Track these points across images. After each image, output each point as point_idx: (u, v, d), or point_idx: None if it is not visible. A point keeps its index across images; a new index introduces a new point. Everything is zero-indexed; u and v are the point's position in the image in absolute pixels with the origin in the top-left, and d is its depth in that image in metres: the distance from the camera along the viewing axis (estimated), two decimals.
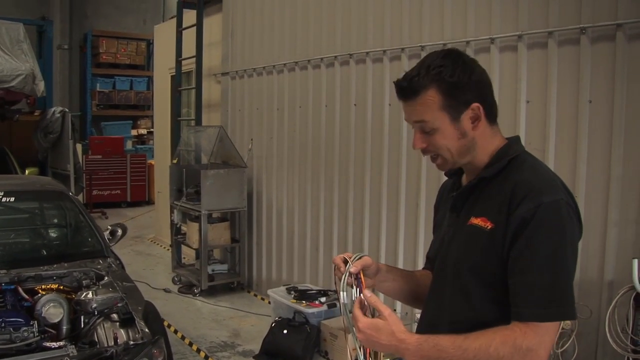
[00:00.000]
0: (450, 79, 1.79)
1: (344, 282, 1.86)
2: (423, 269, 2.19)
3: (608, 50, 4.12)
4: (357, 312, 1.77)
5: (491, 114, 1.87)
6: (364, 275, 1.89)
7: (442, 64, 1.81)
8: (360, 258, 1.91)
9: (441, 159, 1.87)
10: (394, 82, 1.87)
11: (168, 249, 9.65)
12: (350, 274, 1.86)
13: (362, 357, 1.83)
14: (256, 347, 5.87)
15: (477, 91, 1.84)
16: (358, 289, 1.85)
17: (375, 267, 1.98)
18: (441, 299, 1.94)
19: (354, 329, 1.77)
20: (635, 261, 3.79)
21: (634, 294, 3.80)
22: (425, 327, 1.96)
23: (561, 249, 1.69)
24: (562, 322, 4.01)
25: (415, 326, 2.16)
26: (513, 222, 1.72)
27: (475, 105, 1.83)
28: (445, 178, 2.15)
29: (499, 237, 1.74)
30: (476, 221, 1.82)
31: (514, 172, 1.81)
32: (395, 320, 1.72)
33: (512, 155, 1.86)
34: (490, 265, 1.77)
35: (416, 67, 1.84)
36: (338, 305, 3.79)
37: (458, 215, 1.93)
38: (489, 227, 1.78)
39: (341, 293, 1.85)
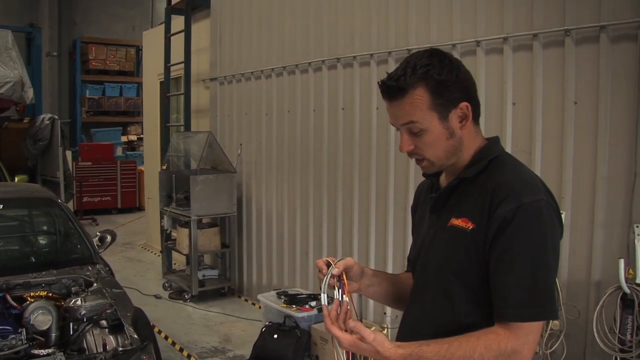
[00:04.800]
0: (439, 77, 1.77)
1: (325, 284, 1.85)
2: (406, 271, 2.19)
3: (592, 51, 4.15)
4: (337, 332, 1.74)
5: (476, 114, 1.87)
6: (347, 278, 1.89)
7: (429, 63, 1.78)
8: (342, 260, 1.91)
9: (427, 161, 1.85)
10: (378, 82, 1.84)
11: (159, 255, 9.63)
12: (333, 276, 1.86)
13: None
14: (247, 352, 5.86)
15: (464, 90, 1.82)
16: (340, 291, 1.86)
17: (359, 270, 1.97)
18: (423, 302, 1.93)
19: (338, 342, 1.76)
20: (622, 261, 3.82)
21: (621, 294, 3.83)
22: (407, 330, 1.96)
23: (542, 249, 1.70)
24: (551, 323, 4.04)
25: None
26: (494, 222, 1.72)
27: (464, 104, 1.82)
28: (421, 180, 2.16)
29: (480, 238, 1.75)
30: (457, 222, 1.82)
31: (495, 173, 1.82)
32: (380, 342, 1.68)
33: (492, 155, 1.86)
34: (472, 266, 1.77)
35: (401, 67, 1.81)
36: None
37: (438, 217, 1.93)
38: (470, 228, 1.78)
39: (323, 295, 1.85)
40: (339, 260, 1.89)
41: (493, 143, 1.93)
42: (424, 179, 2.13)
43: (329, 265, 1.89)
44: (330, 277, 1.85)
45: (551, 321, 4.11)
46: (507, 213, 1.70)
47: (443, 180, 2.00)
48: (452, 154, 1.85)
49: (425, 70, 1.77)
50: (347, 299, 1.83)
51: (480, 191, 1.80)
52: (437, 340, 1.69)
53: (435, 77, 1.77)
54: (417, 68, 1.77)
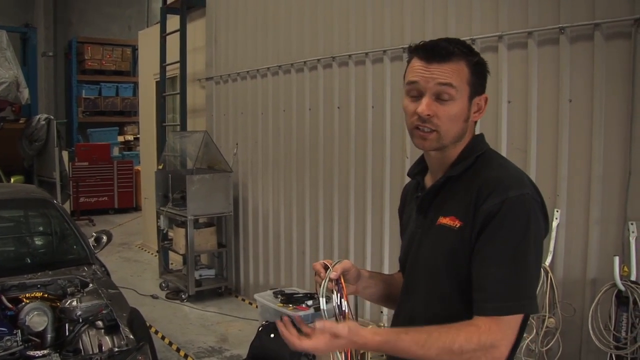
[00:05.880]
0: (479, 59, 1.85)
1: (323, 288, 1.85)
2: (398, 271, 2.19)
3: (587, 49, 4.15)
4: (308, 343, 1.69)
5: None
6: (344, 281, 1.89)
7: (469, 45, 1.86)
8: (339, 263, 1.91)
9: (436, 134, 1.81)
10: (419, 43, 1.84)
11: (155, 255, 9.62)
12: (331, 279, 1.86)
13: None
14: (244, 351, 5.86)
15: (486, 84, 1.89)
16: (339, 295, 1.85)
17: (355, 272, 1.97)
18: (414, 302, 1.93)
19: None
20: (617, 258, 3.83)
21: (616, 291, 3.84)
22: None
23: (524, 243, 1.69)
24: (547, 320, 4.05)
25: None
26: (479, 217, 1.72)
27: (484, 96, 1.88)
28: (405, 183, 2.15)
29: (467, 235, 1.75)
30: (445, 221, 1.82)
31: (482, 170, 1.82)
32: (355, 332, 1.67)
33: (478, 152, 1.87)
34: (462, 264, 1.76)
35: (442, 40, 1.84)
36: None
37: (425, 216, 1.92)
38: (457, 226, 1.78)
39: (321, 299, 1.84)
40: (336, 263, 1.89)
41: (479, 140, 1.93)
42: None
43: (326, 268, 1.88)
44: (328, 280, 1.85)
45: (547, 319, 4.13)
46: (493, 207, 1.70)
47: (428, 179, 2.00)
48: (457, 138, 1.85)
49: (469, 50, 1.83)
50: (345, 303, 1.83)
51: (467, 189, 1.80)
52: (417, 329, 1.68)
53: (476, 59, 1.84)
54: (460, 45, 1.82)
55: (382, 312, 5.70)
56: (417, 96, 1.82)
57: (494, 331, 1.65)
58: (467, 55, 1.81)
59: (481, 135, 1.95)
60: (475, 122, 1.93)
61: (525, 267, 1.69)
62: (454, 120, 1.81)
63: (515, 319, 1.69)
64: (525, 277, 1.69)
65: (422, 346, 1.64)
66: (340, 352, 1.78)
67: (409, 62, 1.88)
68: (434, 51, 1.80)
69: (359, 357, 1.84)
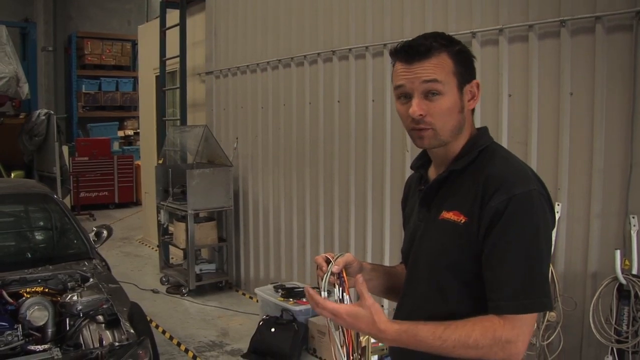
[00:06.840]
0: (460, 47, 1.83)
1: (325, 282, 1.84)
2: (401, 263, 2.18)
3: (588, 42, 4.14)
4: (332, 305, 1.73)
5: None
6: (346, 274, 1.88)
7: (449, 36, 1.84)
8: (342, 257, 1.90)
9: (432, 131, 1.80)
10: (396, 47, 1.84)
11: (156, 250, 9.62)
12: (333, 273, 1.85)
13: (344, 358, 1.82)
14: (244, 345, 5.87)
15: (474, 69, 1.87)
16: (341, 288, 1.84)
17: (358, 265, 1.97)
18: (415, 295, 1.93)
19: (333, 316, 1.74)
20: (618, 252, 3.82)
21: (617, 285, 3.84)
22: None
23: (535, 240, 1.69)
24: (548, 314, 4.04)
25: None
26: (486, 214, 1.71)
27: (475, 82, 1.86)
28: (406, 176, 2.14)
29: (473, 231, 1.74)
30: (448, 215, 1.81)
31: (485, 164, 1.81)
32: (377, 310, 1.69)
33: (482, 146, 1.85)
34: (466, 260, 1.76)
35: (419, 37, 1.82)
36: None
37: (429, 210, 1.91)
38: (462, 221, 1.77)
39: (323, 293, 1.84)
40: (338, 257, 1.88)
41: (482, 133, 1.92)
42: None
43: (328, 262, 1.88)
44: (330, 274, 1.84)
45: (548, 313, 4.12)
46: (499, 205, 1.69)
47: (431, 172, 1.99)
48: (456, 131, 1.83)
49: (449, 40, 1.82)
50: (347, 297, 1.82)
51: (471, 183, 1.79)
52: (434, 322, 1.69)
53: (457, 47, 1.82)
54: (439, 37, 1.81)
55: (382, 305, 5.68)
56: (406, 99, 1.81)
57: (508, 329, 1.65)
58: (446, 47, 1.79)
59: (485, 129, 1.94)
60: (473, 111, 1.91)
61: (538, 264, 1.69)
62: (447, 114, 1.79)
63: (531, 317, 1.69)
64: (538, 274, 1.69)
65: (439, 337, 1.65)
66: (339, 330, 1.79)
67: (393, 66, 1.86)
68: (413, 50, 1.78)
69: (358, 339, 1.84)
